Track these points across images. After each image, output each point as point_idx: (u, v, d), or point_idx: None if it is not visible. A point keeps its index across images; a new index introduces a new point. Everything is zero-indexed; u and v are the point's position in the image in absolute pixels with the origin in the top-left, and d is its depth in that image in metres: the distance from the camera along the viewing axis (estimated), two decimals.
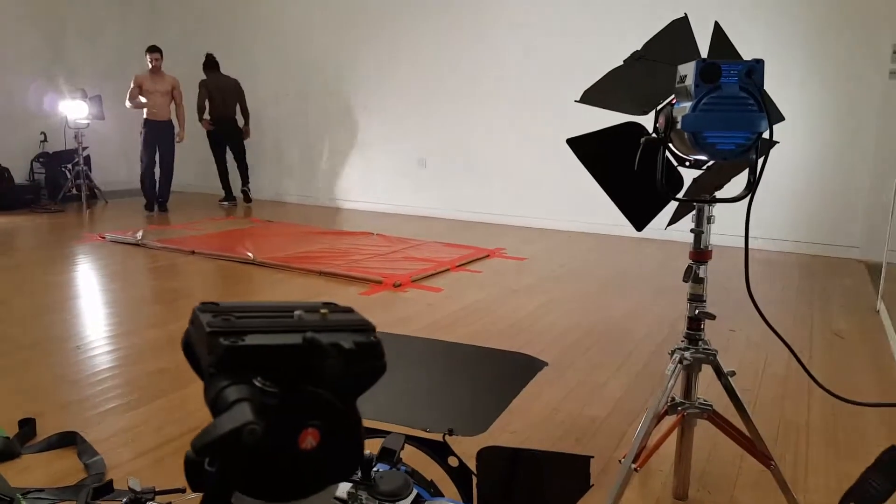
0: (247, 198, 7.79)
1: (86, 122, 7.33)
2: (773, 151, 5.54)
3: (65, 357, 2.87)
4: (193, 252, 5.03)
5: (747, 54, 5.50)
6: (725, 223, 5.32)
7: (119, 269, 4.57)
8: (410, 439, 1.34)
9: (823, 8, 5.17)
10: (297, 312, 0.52)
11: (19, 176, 7.61)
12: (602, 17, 5.92)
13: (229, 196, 7.80)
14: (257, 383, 0.48)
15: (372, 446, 1.34)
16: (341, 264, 4.65)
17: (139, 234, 5.52)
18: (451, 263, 4.79)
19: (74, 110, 7.22)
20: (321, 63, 7.69)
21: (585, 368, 2.77)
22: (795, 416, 2.30)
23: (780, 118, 1.65)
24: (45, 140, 7.89)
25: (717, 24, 1.63)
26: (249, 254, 4.90)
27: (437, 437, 1.35)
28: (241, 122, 7.55)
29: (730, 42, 1.64)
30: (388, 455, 1.30)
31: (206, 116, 7.36)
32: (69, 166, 7.58)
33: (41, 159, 7.86)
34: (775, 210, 5.47)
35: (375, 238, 5.78)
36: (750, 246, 5.31)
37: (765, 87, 1.59)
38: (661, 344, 3.08)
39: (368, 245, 5.46)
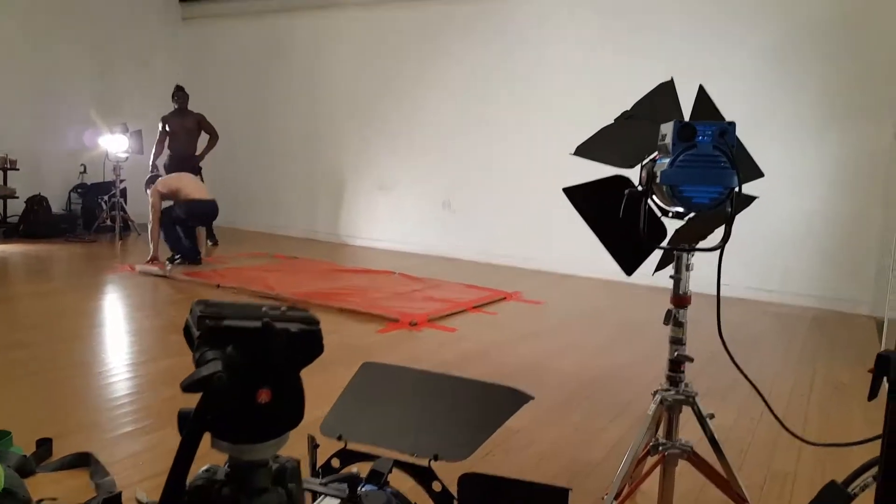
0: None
1: (125, 155, 7.66)
2: (788, 206, 5.63)
3: (86, 381, 3.02)
4: (219, 286, 5.21)
5: (762, 116, 5.67)
6: (740, 277, 5.40)
7: (145, 300, 4.76)
8: (398, 464, 1.44)
9: (835, 74, 5.31)
10: (264, 308, 0.69)
11: (57, 205, 7.96)
12: (626, 68, 6.11)
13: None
14: (228, 350, 0.68)
15: (363, 469, 1.44)
16: (361, 301, 4.77)
17: (168, 267, 5.73)
18: (468, 304, 4.89)
19: (114, 144, 7.56)
20: (351, 107, 7.98)
21: (586, 413, 2.84)
22: (784, 464, 2.34)
23: (758, 175, 1.76)
24: (85, 171, 8.26)
25: (700, 88, 1.76)
26: (272, 288, 5.05)
27: (424, 462, 1.44)
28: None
29: (712, 104, 1.77)
30: (376, 477, 1.40)
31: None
32: (105, 198, 7.90)
33: (79, 190, 8.21)
34: (789, 264, 5.51)
35: (397, 277, 5.91)
36: (764, 299, 5.32)
37: (744, 146, 1.71)
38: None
39: (390, 284, 5.59)
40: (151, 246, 5.95)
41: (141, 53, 8.97)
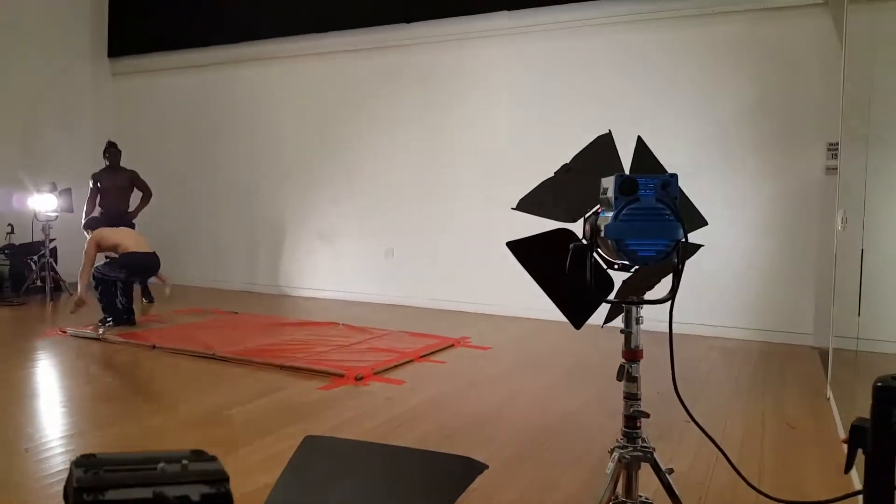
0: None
1: (54, 214, 7.35)
2: (732, 243, 5.75)
3: (12, 460, 2.79)
4: (154, 347, 4.96)
5: (701, 157, 5.81)
6: (687, 313, 5.47)
7: (77, 366, 4.49)
8: None
9: (771, 113, 5.55)
10: (160, 465, 0.58)
11: None
12: (568, 114, 6.24)
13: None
14: None
15: None
16: (304, 357, 4.61)
17: (100, 329, 5.45)
18: (414, 354, 4.78)
19: (43, 203, 7.25)
20: (291, 157, 7.89)
21: (539, 465, 2.76)
22: None
23: (703, 223, 1.76)
24: (13, 232, 7.87)
25: (639, 139, 1.77)
26: (211, 347, 4.84)
27: None
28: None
29: (652, 154, 1.77)
30: None
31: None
32: (35, 258, 7.52)
33: (6, 251, 7.80)
34: (735, 298, 5.62)
35: (341, 328, 5.76)
36: (711, 334, 5.38)
37: (686, 195, 1.71)
38: (616, 437, 3.09)
39: (333, 336, 5.43)
40: (80, 287, 5.58)
41: (69, 110, 8.70)
